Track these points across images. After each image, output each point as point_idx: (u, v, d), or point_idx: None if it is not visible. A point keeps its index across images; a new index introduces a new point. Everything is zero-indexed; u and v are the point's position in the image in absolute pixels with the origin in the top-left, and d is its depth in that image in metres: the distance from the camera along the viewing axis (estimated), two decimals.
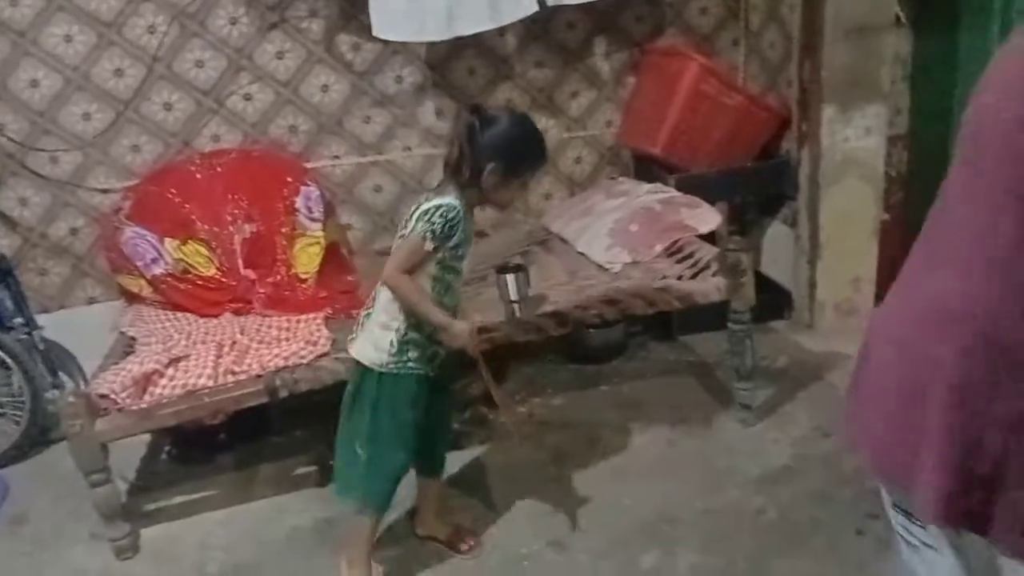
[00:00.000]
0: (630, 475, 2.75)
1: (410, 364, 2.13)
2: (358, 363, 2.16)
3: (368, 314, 2.16)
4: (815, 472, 2.68)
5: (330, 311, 2.97)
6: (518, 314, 2.78)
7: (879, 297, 3.46)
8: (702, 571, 2.30)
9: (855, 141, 3.37)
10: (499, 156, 2.02)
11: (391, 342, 2.10)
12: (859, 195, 3.42)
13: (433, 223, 1.98)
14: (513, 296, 2.79)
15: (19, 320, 3.25)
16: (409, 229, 2.02)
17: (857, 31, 3.21)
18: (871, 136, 3.37)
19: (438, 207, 1.99)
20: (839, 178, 3.41)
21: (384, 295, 2.12)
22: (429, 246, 2.00)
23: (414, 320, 2.09)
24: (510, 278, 2.79)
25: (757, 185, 3.63)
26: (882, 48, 3.26)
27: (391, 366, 2.11)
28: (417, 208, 2.03)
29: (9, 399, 3.17)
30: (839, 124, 3.35)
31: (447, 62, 3.59)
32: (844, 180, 3.41)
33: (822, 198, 3.42)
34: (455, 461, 2.89)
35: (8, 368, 3.13)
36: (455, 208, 2.00)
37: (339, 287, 3.18)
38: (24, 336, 3.22)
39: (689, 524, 2.49)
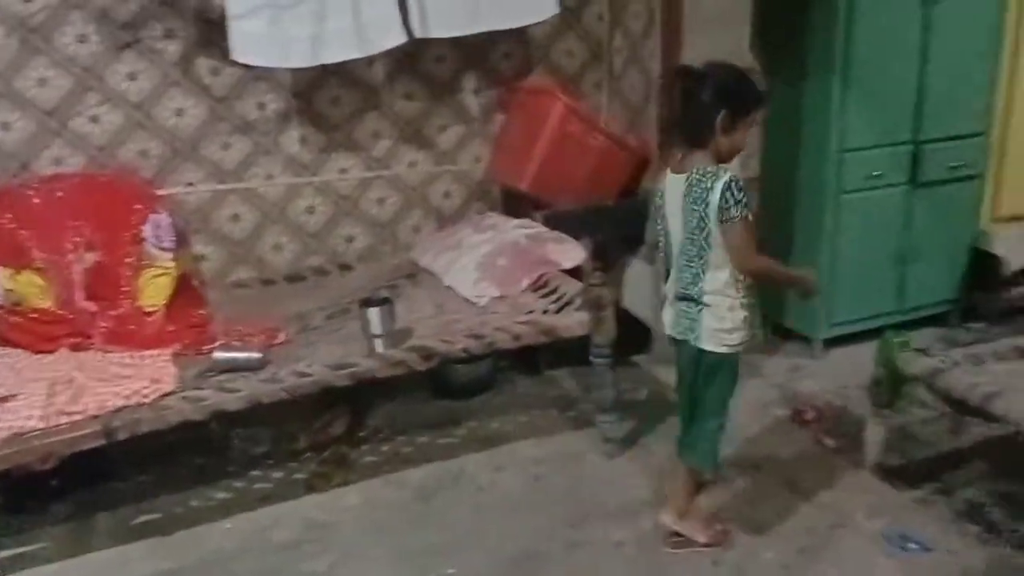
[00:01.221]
0: (495, 511, 2.72)
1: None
2: (703, 352, 2.24)
3: (690, 311, 2.24)
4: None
5: (179, 347, 2.81)
6: (381, 349, 2.72)
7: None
8: None
9: None
10: (724, 103, 2.09)
11: (743, 319, 2.21)
12: None
13: (740, 199, 2.05)
14: (377, 330, 2.73)
15: None
16: (716, 214, 2.07)
17: None
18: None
19: (728, 183, 2.06)
20: None
21: (717, 281, 2.16)
22: (751, 217, 2.09)
23: (750, 292, 2.21)
24: (374, 312, 2.73)
25: (620, 222, 3.73)
26: None
27: (740, 344, 2.24)
28: (705, 191, 2.08)
29: None
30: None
31: (312, 90, 3.51)
32: None
33: None
34: (313, 504, 2.78)
35: None
36: (734, 174, 2.09)
37: (189, 321, 3.01)
38: None
39: (553, 559, 2.48)
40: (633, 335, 3.74)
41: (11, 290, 2.76)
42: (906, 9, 3.53)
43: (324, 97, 3.55)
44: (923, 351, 2.85)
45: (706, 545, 2.47)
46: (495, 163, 3.77)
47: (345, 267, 3.67)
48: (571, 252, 3.25)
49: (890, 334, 2.77)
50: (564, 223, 3.45)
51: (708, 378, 2.30)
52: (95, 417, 2.34)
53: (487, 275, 3.17)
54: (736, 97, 2.12)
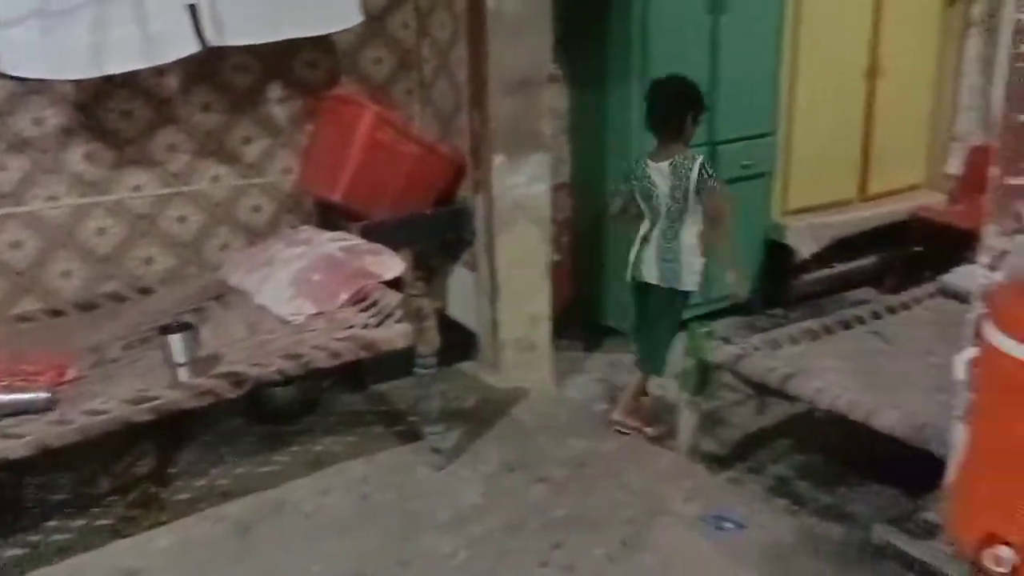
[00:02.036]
0: (321, 537, 2.61)
1: None
2: (678, 291, 3.03)
3: (674, 256, 2.98)
4: (503, 507, 2.75)
5: None
6: (185, 378, 2.55)
7: (556, 333, 3.71)
8: None
9: (523, 188, 3.57)
10: (690, 107, 2.95)
11: (703, 263, 2.98)
12: (530, 238, 3.63)
13: (711, 173, 2.90)
14: (179, 359, 2.56)
15: None
16: (695, 186, 2.89)
17: (518, 85, 3.42)
18: (537, 183, 3.59)
19: (702, 164, 2.90)
20: (511, 223, 3.58)
21: (692, 234, 2.96)
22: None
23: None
24: (175, 339, 2.56)
25: (438, 231, 3.72)
26: (540, 102, 3.51)
27: (698, 282, 3.01)
28: (687, 170, 2.89)
29: None
30: (508, 172, 3.53)
31: (99, 103, 3.25)
32: (516, 225, 3.59)
33: (497, 242, 3.58)
34: (122, 551, 2.56)
35: None
36: (703, 158, 2.96)
37: None
38: None
39: None
40: (459, 342, 3.74)
41: None
42: (696, 18, 3.76)
43: (113, 110, 3.29)
44: (726, 339, 3.04)
45: (639, 430, 3.19)
46: (306, 174, 3.64)
47: (145, 291, 3.42)
48: (389, 263, 3.19)
49: (695, 325, 2.92)
50: (381, 234, 3.39)
51: (675, 308, 3.11)
52: None
53: (302, 291, 3.05)
54: (697, 102, 2.97)
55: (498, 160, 3.50)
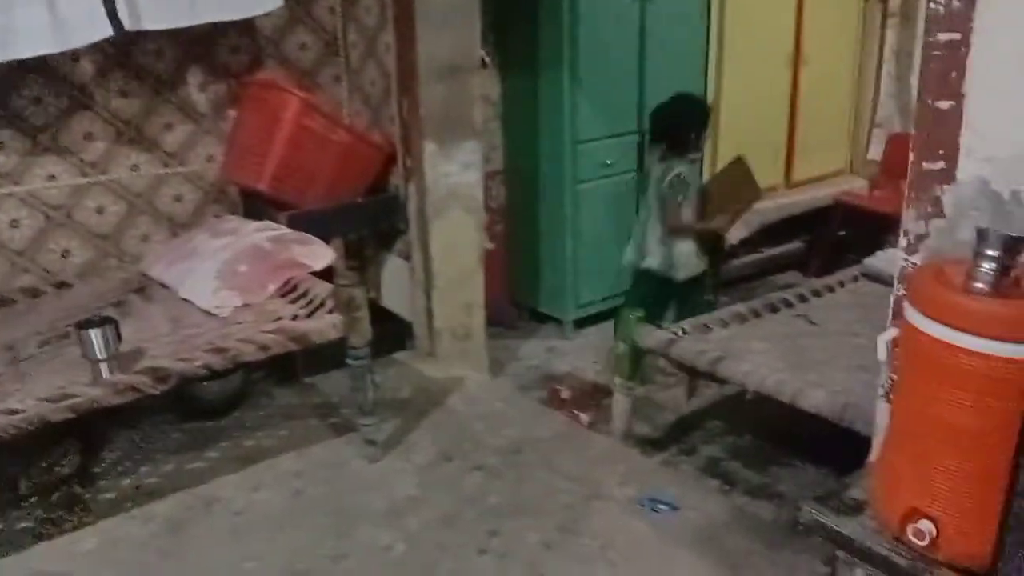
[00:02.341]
0: (253, 534, 2.55)
1: None
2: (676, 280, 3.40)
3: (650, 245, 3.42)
4: (440, 497, 2.74)
5: None
6: (106, 375, 2.45)
7: (489, 321, 3.70)
8: None
9: (456, 176, 3.54)
10: (704, 124, 3.45)
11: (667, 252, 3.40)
12: (464, 226, 3.60)
13: (675, 189, 3.29)
14: (99, 354, 2.46)
15: None
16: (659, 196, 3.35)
17: (448, 72, 3.38)
18: (469, 171, 3.56)
19: (672, 178, 3.27)
20: (444, 211, 3.55)
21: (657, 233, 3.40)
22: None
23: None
24: (94, 334, 2.46)
25: (370, 220, 3.66)
26: (471, 89, 3.48)
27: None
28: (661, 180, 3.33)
29: None
30: (440, 160, 3.50)
31: (7, 89, 3.09)
32: (449, 213, 3.56)
33: (431, 230, 3.55)
34: (42, 555, 2.46)
35: None
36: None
37: None
38: None
39: (319, 573, 2.37)
40: (393, 332, 3.71)
41: None
42: (623, 6, 3.78)
43: (22, 97, 3.14)
44: (657, 324, 3.07)
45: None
46: (229, 163, 3.53)
47: (63, 285, 3.28)
48: (319, 253, 3.13)
49: (626, 311, 2.95)
50: (310, 223, 3.32)
51: (670, 292, 3.43)
52: None
53: (228, 283, 2.96)
54: (703, 122, 3.44)
55: (429, 148, 3.47)
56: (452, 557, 2.45)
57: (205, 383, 3.06)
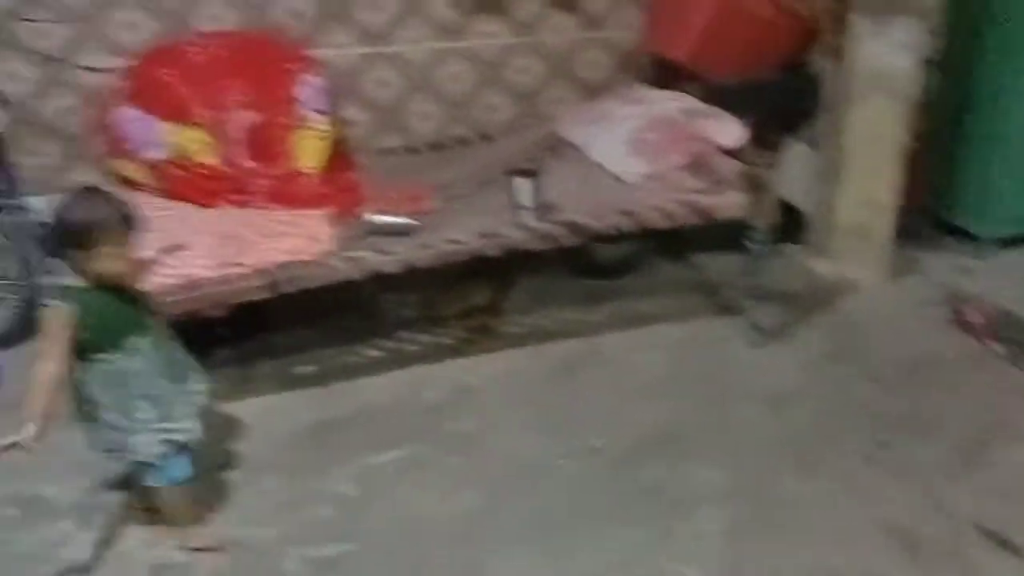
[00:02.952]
0: (636, 390, 2.70)
1: None
2: None
3: None
4: (825, 396, 2.65)
5: (333, 208, 2.85)
6: (529, 220, 2.67)
7: (896, 226, 3.38)
8: (709, 486, 2.28)
9: (887, 58, 3.19)
10: None
11: None
12: (886, 115, 3.27)
13: None
14: (526, 202, 2.69)
15: (12, 202, 3.10)
16: None
17: None
18: (904, 54, 3.18)
19: None
20: (867, 96, 3.25)
21: None
22: None
23: None
24: (523, 183, 2.68)
25: (782, 100, 3.47)
26: None
27: None
28: None
29: (4, 282, 3.06)
30: (871, 39, 3.17)
31: None
32: (872, 99, 3.25)
33: (847, 117, 3.28)
34: (459, 368, 2.84)
35: (2, 250, 3.01)
36: None
37: (341, 184, 3.04)
38: (17, 219, 3.08)
39: (695, 440, 2.46)
40: (785, 222, 3.56)
41: (177, 144, 2.85)
42: None
43: None
44: None
45: None
46: (650, 31, 3.54)
47: (487, 138, 3.61)
48: (729, 129, 3.06)
49: None
50: (721, 98, 3.23)
51: None
52: (261, 270, 2.42)
53: (637, 150, 3.04)
54: None
55: (861, 24, 3.15)
56: (836, 456, 2.38)
57: (601, 245, 3.23)
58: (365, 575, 2.05)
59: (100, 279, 1.91)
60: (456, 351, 2.94)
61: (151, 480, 2.08)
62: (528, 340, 2.99)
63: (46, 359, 1.85)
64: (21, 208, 3.12)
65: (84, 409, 1.99)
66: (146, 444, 1.99)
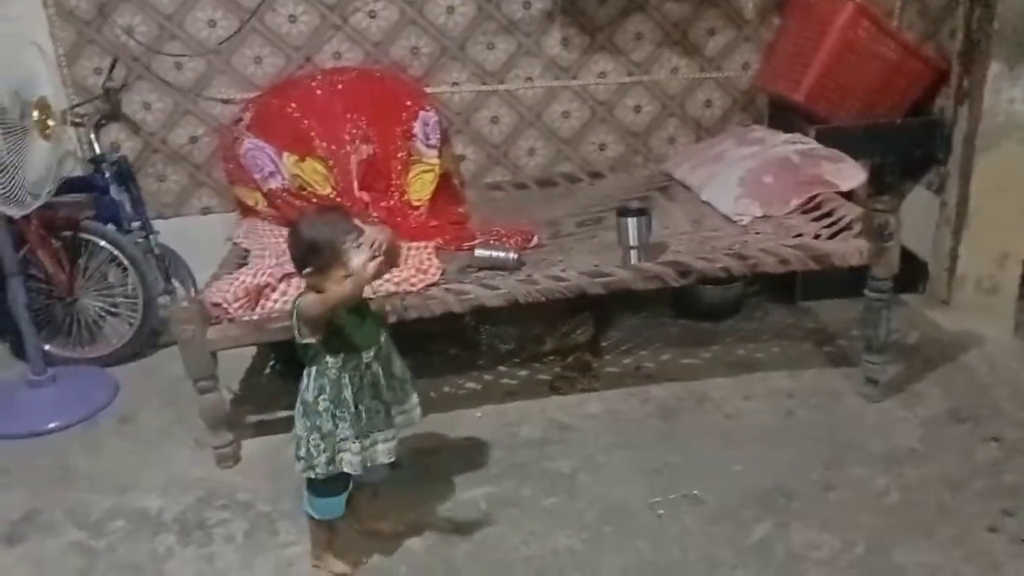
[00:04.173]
0: (742, 440, 2.60)
1: None
2: None
3: None
4: (945, 458, 2.48)
5: (440, 241, 2.89)
6: (636, 260, 2.64)
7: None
8: (817, 549, 2.15)
9: (1020, 104, 3.04)
10: None
11: None
12: (1018, 163, 3.09)
13: None
14: (632, 241, 2.65)
15: (137, 224, 3.29)
16: None
17: None
18: None
19: None
20: (998, 142, 3.08)
21: None
22: None
23: None
24: (631, 221, 2.65)
25: (905, 144, 3.34)
26: None
27: None
28: None
29: (124, 300, 3.24)
30: (1005, 82, 3.01)
31: None
32: (1003, 145, 3.08)
33: (976, 163, 3.11)
34: (556, 406, 2.81)
35: (124, 270, 3.19)
36: None
37: (450, 217, 3.10)
38: (141, 240, 3.26)
39: (805, 498, 2.33)
40: (905, 271, 3.38)
41: (296, 175, 2.96)
42: None
43: None
44: None
45: None
46: (766, 71, 3.48)
47: (596, 175, 3.60)
48: (849, 173, 2.95)
49: None
50: (840, 140, 3.13)
51: None
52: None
53: (751, 192, 2.96)
54: None
55: (995, 68, 3.01)
56: (955, 523, 2.21)
57: (707, 287, 3.16)
58: None
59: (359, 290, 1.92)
60: (554, 388, 2.91)
61: (307, 506, 2.09)
62: (628, 381, 2.94)
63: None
64: (145, 230, 3.30)
65: (297, 409, 2.00)
66: (345, 459, 1.97)
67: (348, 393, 1.95)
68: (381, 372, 2.01)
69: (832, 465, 2.46)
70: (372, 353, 1.98)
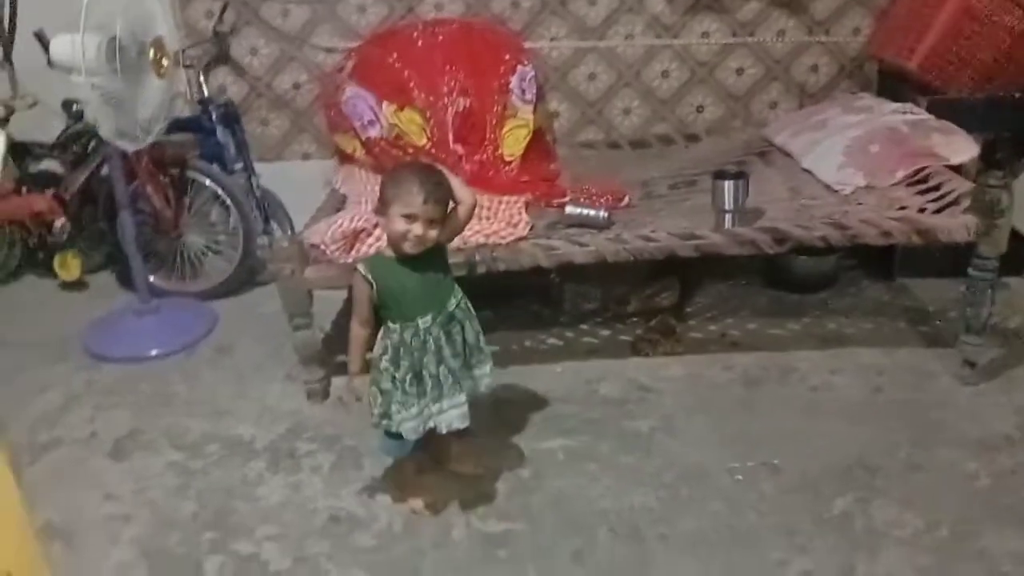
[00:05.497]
0: (827, 414, 2.55)
1: None
2: None
3: None
4: None
5: (531, 197, 2.91)
6: (729, 224, 2.59)
7: None
8: (899, 527, 2.10)
9: None
10: None
11: None
12: None
13: None
14: (727, 205, 2.61)
15: (240, 166, 3.41)
16: None
17: None
18: None
19: None
20: None
21: None
22: None
23: None
24: (727, 185, 2.61)
25: (1022, 119, 3.16)
26: None
27: None
28: None
29: (225, 238, 3.38)
30: None
31: None
32: None
33: None
34: (637, 367, 2.81)
35: (227, 209, 3.32)
36: None
37: (541, 173, 3.11)
38: (243, 181, 3.39)
39: (890, 476, 2.28)
40: (1012, 252, 3.23)
41: (394, 124, 3.01)
42: None
43: None
44: None
45: None
46: (879, 36, 3.33)
47: (691, 137, 3.54)
48: (961, 146, 2.82)
49: None
50: (952, 113, 2.98)
51: None
52: (459, 249, 2.50)
53: (854, 161, 2.86)
54: None
55: None
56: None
57: (801, 257, 3.09)
58: (528, 555, 2.07)
59: (395, 245, 1.97)
60: (636, 350, 2.91)
61: (382, 451, 2.22)
62: (712, 347, 2.91)
63: (353, 321, 2.02)
64: (248, 172, 3.42)
65: (371, 373, 2.06)
66: (402, 421, 2.02)
67: (408, 359, 1.98)
68: (444, 338, 2.01)
69: (920, 445, 2.39)
70: (429, 319, 1.99)
